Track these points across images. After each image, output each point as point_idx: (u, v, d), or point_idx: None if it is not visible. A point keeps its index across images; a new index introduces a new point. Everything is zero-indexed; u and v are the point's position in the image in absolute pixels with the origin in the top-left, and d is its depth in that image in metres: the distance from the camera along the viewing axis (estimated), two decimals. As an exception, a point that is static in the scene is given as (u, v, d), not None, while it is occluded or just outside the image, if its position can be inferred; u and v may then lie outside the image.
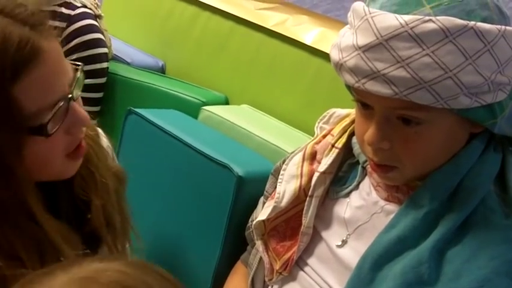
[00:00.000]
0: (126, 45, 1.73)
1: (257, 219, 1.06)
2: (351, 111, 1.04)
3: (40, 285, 0.51)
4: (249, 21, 1.52)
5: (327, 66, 1.35)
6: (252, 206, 1.17)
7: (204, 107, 1.44)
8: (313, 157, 1.04)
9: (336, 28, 1.40)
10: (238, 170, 1.18)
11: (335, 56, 0.88)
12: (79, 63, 0.86)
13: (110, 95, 1.55)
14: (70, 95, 0.85)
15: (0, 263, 0.82)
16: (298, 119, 1.38)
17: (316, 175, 1.01)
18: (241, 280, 1.14)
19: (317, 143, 1.05)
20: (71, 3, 1.47)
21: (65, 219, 0.92)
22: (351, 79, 0.86)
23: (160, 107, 1.45)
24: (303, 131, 1.34)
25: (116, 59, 1.66)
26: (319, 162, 1.03)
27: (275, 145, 1.28)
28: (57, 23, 1.44)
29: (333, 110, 1.09)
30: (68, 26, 1.44)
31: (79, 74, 0.86)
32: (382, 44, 0.82)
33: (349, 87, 0.92)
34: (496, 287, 0.85)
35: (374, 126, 0.87)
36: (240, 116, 1.41)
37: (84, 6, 1.49)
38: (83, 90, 0.88)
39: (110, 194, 0.99)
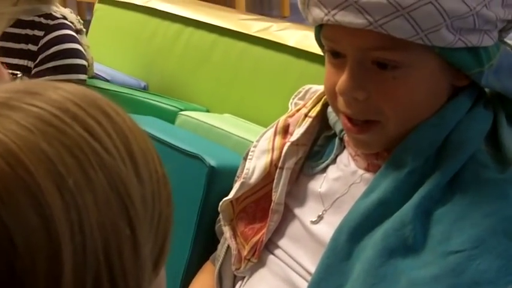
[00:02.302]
0: (109, 68, 1.68)
1: (224, 199, 0.95)
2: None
3: None
4: (232, 31, 1.46)
5: (311, 67, 1.30)
6: (226, 199, 1.07)
7: (181, 112, 1.36)
8: (285, 130, 0.95)
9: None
10: (210, 161, 1.09)
11: None
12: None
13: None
14: None
15: None
16: (281, 123, 1.29)
17: (287, 145, 0.91)
18: (208, 278, 1.02)
19: (290, 116, 0.96)
20: (50, 14, 1.43)
21: None
22: (319, 13, 0.78)
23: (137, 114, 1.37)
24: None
25: (96, 77, 1.60)
26: (291, 135, 0.93)
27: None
28: (35, 32, 1.40)
29: (308, 86, 1.01)
30: (45, 35, 1.40)
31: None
32: None
33: (318, 35, 0.84)
34: (492, 248, 0.73)
35: (346, 73, 0.78)
36: (219, 120, 1.33)
37: (64, 18, 1.45)
38: None
39: None
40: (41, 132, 0.41)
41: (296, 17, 4.72)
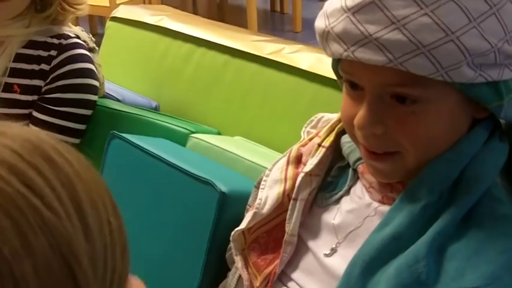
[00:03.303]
0: (120, 87, 1.67)
1: (236, 229, 0.94)
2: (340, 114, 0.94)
3: None
4: (244, 52, 1.45)
5: (324, 91, 1.29)
6: (236, 226, 1.06)
7: (192, 135, 1.35)
8: (298, 160, 0.94)
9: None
10: (222, 187, 1.08)
11: (321, 24, 0.79)
12: None
13: (96, 125, 1.47)
14: None
15: None
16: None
17: (300, 176, 0.90)
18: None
19: (303, 145, 0.95)
20: (63, 33, 1.42)
21: None
22: (338, 48, 0.76)
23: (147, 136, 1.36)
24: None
25: (107, 97, 1.59)
26: (305, 165, 0.92)
27: (266, 168, 1.18)
28: (50, 52, 1.39)
29: (321, 114, 1.00)
30: (58, 55, 1.39)
31: None
32: (374, 3, 0.73)
33: (336, 66, 0.83)
34: (506, 285, 0.71)
35: (365, 108, 0.77)
36: (231, 144, 1.31)
37: (77, 37, 1.44)
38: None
39: None
40: None
41: (308, 33, 4.71)
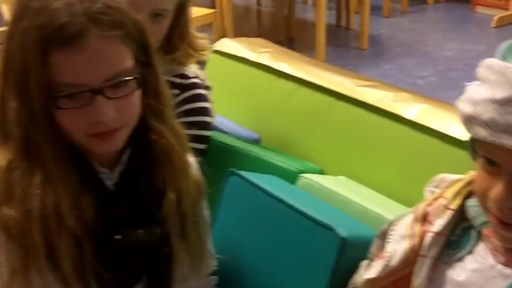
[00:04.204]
0: (223, 118, 1.78)
1: (365, 277, 1.04)
2: (462, 177, 1.04)
3: None
4: (349, 97, 1.55)
5: (429, 141, 1.37)
6: (353, 271, 1.16)
7: (302, 175, 1.45)
8: (424, 219, 1.04)
9: (439, 106, 1.42)
10: (342, 232, 1.17)
11: (467, 109, 0.89)
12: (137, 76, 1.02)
13: (208, 159, 1.58)
14: (98, 89, 0.98)
15: None
16: (398, 192, 1.37)
17: (430, 235, 1.00)
18: None
19: (429, 205, 1.05)
20: (185, 74, 1.54)
21: (145, 199, 1.10)
22: (483, 132, 0.86)
23: (256, 172, 1.46)
24: (404, 204, 1.32)
25: (215, 129, 1.70)
26: (431, 224, 1.02)
27: (377, 213, 1.28)
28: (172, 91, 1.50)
29: (442, 175, 1.09)
30: (180, 94, 1.50)
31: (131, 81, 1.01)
32: None
33: (472, 143, 0.92)
34: None
35: (502, 184, 0.87)
36: (339, 185, 1.41)
37: (196, 77, 1.55)
38: None
39: (188, 195, 1.15)
40: None
41: (374, 50, 4.78)
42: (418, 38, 5.07)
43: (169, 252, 1.15)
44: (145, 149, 1.11)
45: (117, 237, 1.08)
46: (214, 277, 1.33)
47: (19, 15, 1.00)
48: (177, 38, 1.46)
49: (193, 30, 1.51)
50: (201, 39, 1.53)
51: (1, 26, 2.84)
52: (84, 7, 0.97)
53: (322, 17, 4.36)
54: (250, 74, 1.82)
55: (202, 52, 1.53)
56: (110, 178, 1.11)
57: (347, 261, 1.17)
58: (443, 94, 3.82)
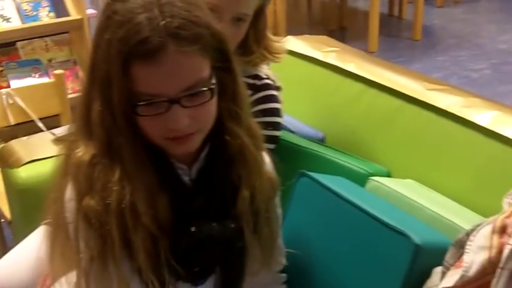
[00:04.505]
0: (289, 116, 1.81)
1: (441, 286, 1.06)
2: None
3: None
4: (418, 100, 1.56)
5: (502, 149, 1.37)
6: (425, 278, 1.18)
7: (372, 177, 1.47)
8: (503, 231, 1.05)
9: (511, 113, 1.42)
10: (416, 239, 1.19)
11: None
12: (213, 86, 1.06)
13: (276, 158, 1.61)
14: (175, 99, 1.03)
15: None
16: (468, 200, 1.38)
17: (508, 248, 1.01)
18: None
19: (507, 217, 1.06)
20: (257, 74, 1.57)
21: (220, 195, 1.15)
22: None
23: (324, 173, 1.49)
24: (475, 212, 1.34)
25: (283, 128, 1.73)
26: (510, 236, 1.03)
27: (449, 220, 1.29)
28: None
29: (521, 186, 1.10)
30: (253, 94, 1.54)
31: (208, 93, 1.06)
32: None
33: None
34: None
35: None
36: (408, 189, 1.43)
37: (268, 78, 1.58)
38: None
39: (262, 192, 1.19)
40: None
41: (427, 41, 4.74)
42: (471, 29, 5.01)
43: (242, 247, 1.19)
44: (221, 148, 1.15)
45: (193, 229, 1.13)
46: (284, 274, 1.37)
47: (104, 26, 1.05)
48: (253, 41, 1.49)
49: (269, 33, 1.54)
50: (277, 42, 1.56)
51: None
52: (164, 22, 1.01)
53: (376, 5, 4.33)
54: (317, 73, 1.84)
55: (276, 55, 1.55)
56: (187, 174, 1.15)
57: (420, 268, 1.19)
58: (497, 88, 3.79)
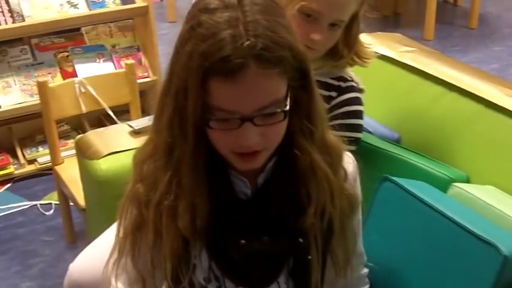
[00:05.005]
0: (369, 117, 1.81)
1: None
2: None
3: None
4: (499, 106, 1.56)
5: None
6: (511, 287, 1.20)
7: (454, 184, 1.49)
8: None
9: None
10: (505, 250, 1.21)
11: None
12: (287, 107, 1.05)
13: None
14: (249, 117, 1.03)
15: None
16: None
17: None
18: None
19: None
20: (343, 76, 1.59)
21: (276, 208, 1.13)
22: None
23: (404, 177, 1.50)
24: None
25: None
26: None
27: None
28: (330, 93, 1.55)
29: None
30: (337, 96, 1.56)
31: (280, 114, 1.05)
32: None
33: None
34: None
35: None
36: (490, 196, 1.44)
37: (352, 80, 1.60)
38: None
39: (335, 209, 1.16)
40: None
41: (482, 30, 4.68)
42: (528, 18, 4.92)
43: (307, 261, 1.17)
44: (288, 162, 1.14)
45: (242, 242, 1.13)
46: (366, 270, 1.37)
47: (187, 37, 1.05)
48: (344, 46, 1.51)
49: (360, 38, 1.55)
50: (367, 47, 1.57)
51: None
52: (249, 42, 1.00)
53: (434, -8, 4.28)
54: (393, 74, 1.85)
55: (366, 60, 1.57)
56: (247, 186, 1.15)
57: (507, 280, 1.21)
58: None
